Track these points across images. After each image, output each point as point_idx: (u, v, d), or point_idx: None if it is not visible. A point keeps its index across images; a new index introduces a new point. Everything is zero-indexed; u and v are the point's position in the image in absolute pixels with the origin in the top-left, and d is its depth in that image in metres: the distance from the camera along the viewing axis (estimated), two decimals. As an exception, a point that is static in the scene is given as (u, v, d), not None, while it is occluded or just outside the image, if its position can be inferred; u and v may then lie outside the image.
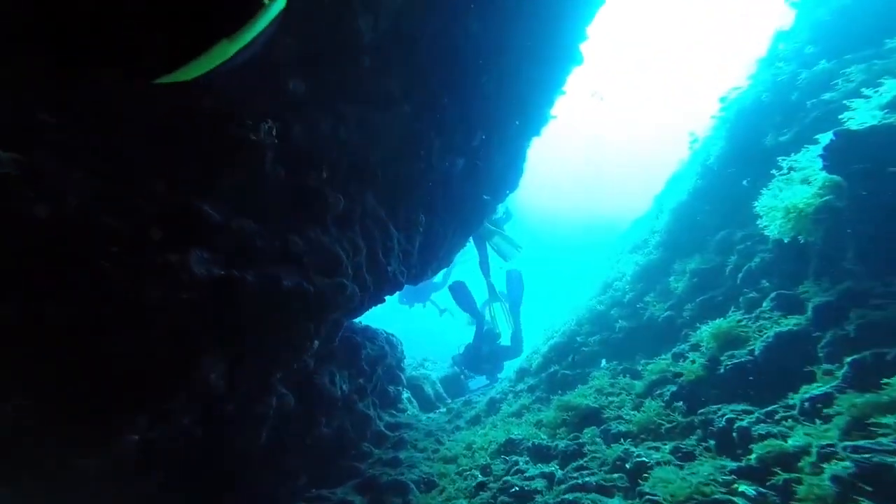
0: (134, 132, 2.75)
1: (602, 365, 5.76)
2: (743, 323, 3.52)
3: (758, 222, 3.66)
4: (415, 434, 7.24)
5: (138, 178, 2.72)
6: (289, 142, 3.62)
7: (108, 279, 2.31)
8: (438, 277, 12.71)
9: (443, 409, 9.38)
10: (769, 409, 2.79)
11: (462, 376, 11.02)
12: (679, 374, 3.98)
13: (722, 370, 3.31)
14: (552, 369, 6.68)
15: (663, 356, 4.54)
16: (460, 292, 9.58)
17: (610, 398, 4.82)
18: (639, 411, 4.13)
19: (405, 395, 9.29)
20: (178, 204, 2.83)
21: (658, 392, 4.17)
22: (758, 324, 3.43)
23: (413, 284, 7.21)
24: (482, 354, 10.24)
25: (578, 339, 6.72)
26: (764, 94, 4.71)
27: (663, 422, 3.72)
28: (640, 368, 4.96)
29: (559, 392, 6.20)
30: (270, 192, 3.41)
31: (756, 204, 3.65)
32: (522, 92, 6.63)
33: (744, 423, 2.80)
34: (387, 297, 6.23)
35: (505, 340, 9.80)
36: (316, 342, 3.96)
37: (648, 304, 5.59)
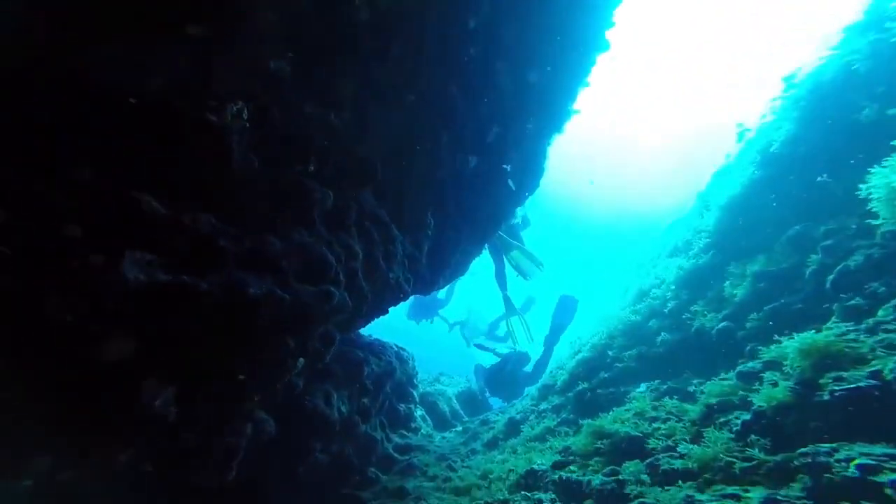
0: (65, 114, 2.15)
1: (641, 385, 4.86)
2: (850, 337, 2.62)
3: (861, 210, 2.78)
4: (426, 458, 6.44)
5: (63, 166, 2.11)
6: (268, 128, 2.99)
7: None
8: (442, 294, 12.05)
9: (459, 428, 8.55)
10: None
11: (480, 394, 10.22)
12: (751, 400, 3.09)
13: (826, 397, 2.42)
14: (580, 387, 5.79)
15: (724, 376, 3.64)
16: (483, 348, 10.60)
17: (654, 425, 3.93)
18: (699, 444, 3.24)
19: (418, 412, 8.51)
20: (112, 196, 2.20)
21: (722, 420, 3.28)
22: (876, 338, 2.54)
23: (423, 294, 6.48)
24: (504, 376, 9.56)
25: (610, 353, 5.82)
26: (858, 62, 3.83)
27: (736, 459, 2.83)
28: (691, 389, 4.06)
29: (590, 415, 5.32)
30: (241, 185, 2.77)
31: (862, 186, 2.77)
32: (541, 84, 5.89)
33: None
34: (393, 308, 5.53)
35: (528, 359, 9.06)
36: (301, 360, 3.27)
37: (697, 315, 4.68)
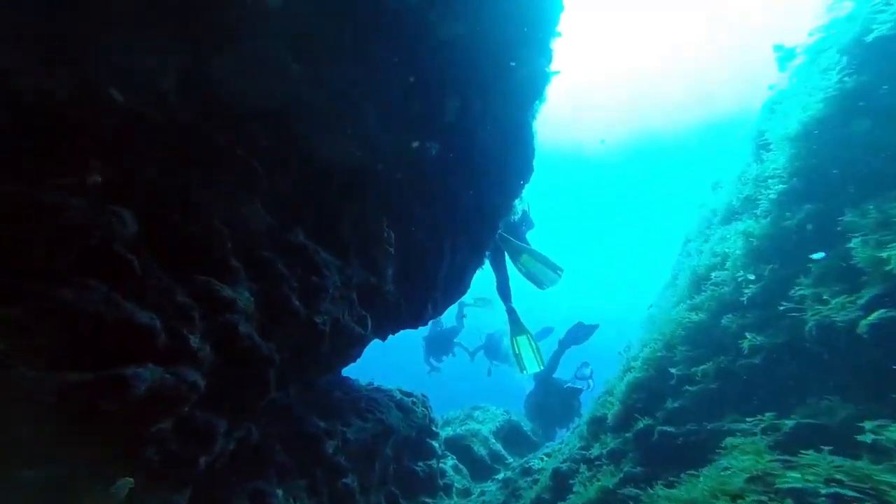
0: None
1: (737, 421, 2.92)
2: None
3: None
4: (456, 537, 4.65)
5: None
6: None
7: None
8: (450, 320, 9.86)
9: (500, 476, 6.62)
10: None
11: (526, 427, 8.33)
12: None
13: None
14: (641, 424, 3.86)
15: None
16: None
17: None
18: None
19: (449, 463, 6.69)
20: None
21: None
22: None
23: (413, 327, 4.84)
24: (548, 405, 7.93)
25: (673, 370, 3.88)
26: None
27: None
28: (869, 439, 2.10)
29: (664, 468, 3.38)
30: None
31: None
32: (505, 36, 4.28)
33: None
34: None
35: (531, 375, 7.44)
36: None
37: (806, 301, 2.75)
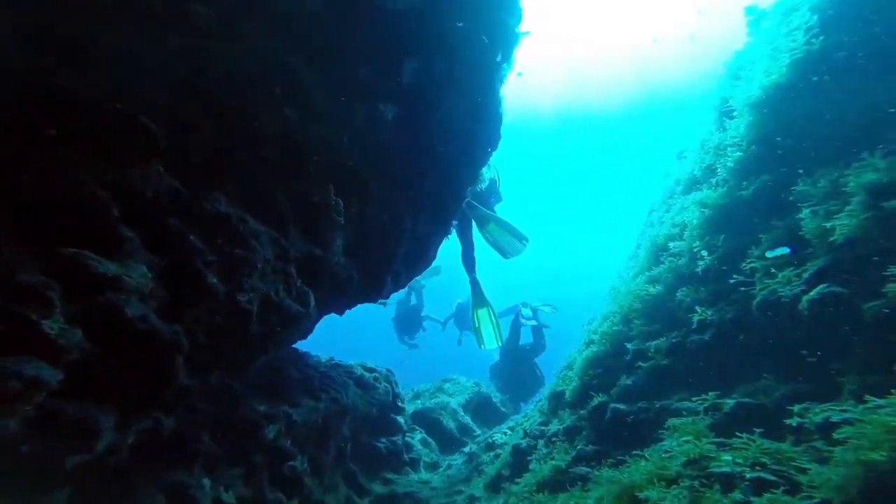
0: None
1: (685, 400, 2.85)
2: None
3: None
4: (416, 511, 4.63)
5: None
6: None
7: None
8: (411, 297, 9.58)
9: (467, 450, 6.64)
10: None
11: (497, 401, 8.41)
12: None
13: None
14: (596, 401, 3.79)
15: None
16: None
17: (734, 496, 1.91)
18: None
19: (417, 437, 6.67)
20: None
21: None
22: None
23: (372, 301, 4.62)
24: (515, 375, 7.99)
25: (629, 345, 3.80)
26: None
27: None
28: (793, 422, 2.01)
29: (615, 446, 3.35)
30: None
31: None
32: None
33: None
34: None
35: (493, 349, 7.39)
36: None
37: (756, 275, 2.63)
